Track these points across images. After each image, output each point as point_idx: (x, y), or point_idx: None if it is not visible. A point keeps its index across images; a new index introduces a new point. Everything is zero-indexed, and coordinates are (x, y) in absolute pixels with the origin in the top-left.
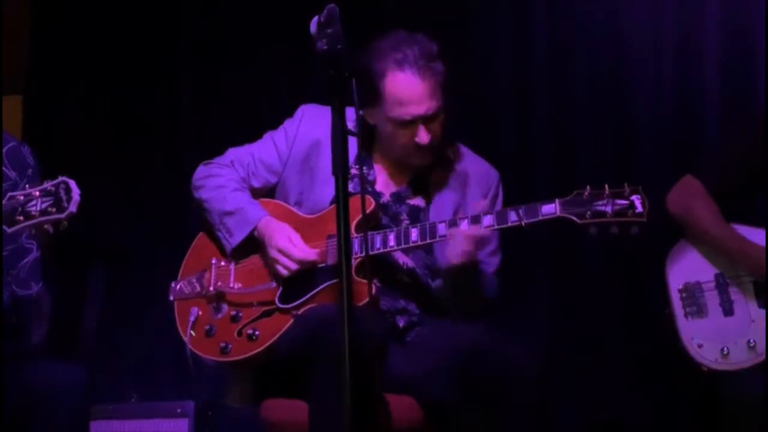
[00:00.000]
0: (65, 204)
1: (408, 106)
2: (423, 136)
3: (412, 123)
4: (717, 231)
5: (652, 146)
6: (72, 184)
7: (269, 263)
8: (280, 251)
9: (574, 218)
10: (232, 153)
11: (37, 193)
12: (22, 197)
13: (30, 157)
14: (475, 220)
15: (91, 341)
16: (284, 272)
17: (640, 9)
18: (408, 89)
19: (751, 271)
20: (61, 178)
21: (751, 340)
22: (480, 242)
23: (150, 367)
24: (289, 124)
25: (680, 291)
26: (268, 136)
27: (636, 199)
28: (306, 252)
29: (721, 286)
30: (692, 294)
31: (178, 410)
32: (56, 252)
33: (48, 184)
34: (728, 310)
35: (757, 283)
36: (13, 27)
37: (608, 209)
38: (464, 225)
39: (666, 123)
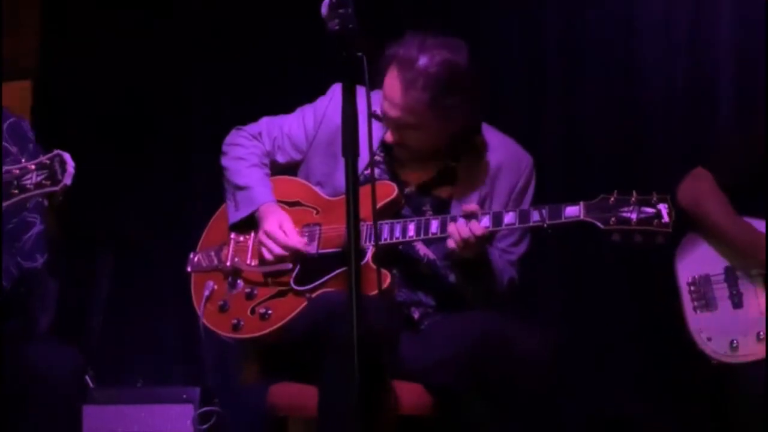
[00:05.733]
0: (60, 177)
1: (385, 101)
2: (387, 135)
3: (386, 117)
4: (726, 224)
5: (664, 138)
6: (66, 156)
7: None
8: (267, 235)
9: (598, 223)
10: (264, 123)
11: (33, 167)
12: (17, 171)
13: (30, 132)
14: (472, 217)
15: (98, 327)
16: (268, 256)
17: (653, 2)
18: (389, 87)
19: (762, 263)
20: (55, 152)
21: (761, 333)
22: (478, 242)
23: (156, 353)
24: (319, 102)
25: (689, 284)
26: (300, 111)
27: (663, 208)
28: (293, 239)
29: (731, 279)
30: (701, 287)
31: (184, 396)
32: (64, 239)
33: (43, 158)
34: (737, 303)
35: (766, 276)
36: (22, 12)
37: (633, 217)
38: (461, 222)
39: (678, 115)
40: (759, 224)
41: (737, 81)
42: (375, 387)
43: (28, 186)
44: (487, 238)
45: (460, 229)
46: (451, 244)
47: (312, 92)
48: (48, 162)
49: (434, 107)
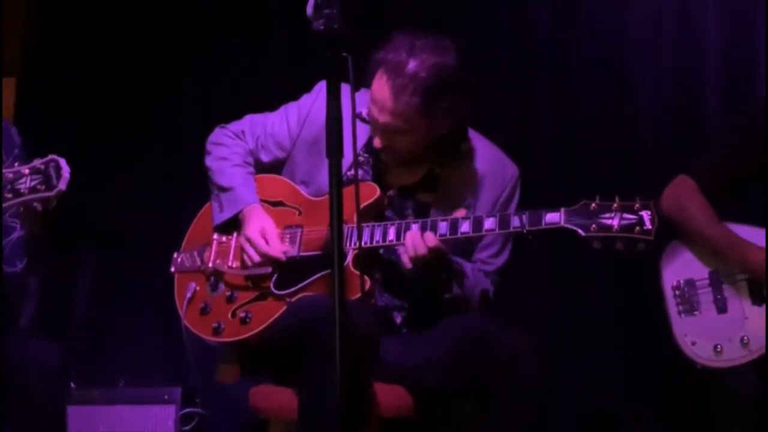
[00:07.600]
0: (54, 182)
1: (374, 107)
2: (375, 141)
3: (374, 122)
4: (710, 231)
5: (652, 145)
6: (62, 162)
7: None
8: (248, 240)
9: (579, 230)
10: (248, 121)
11: (27, 171)
12: (11, 174)
13: (16, 137)
14: (453, 223)
15: (79, 324)
16: (249, 262)
17: (644, 9)
18: (378, 93)
19: (745, 270)
20: (50, 156)
21: (745, 337)
22: (431, 254)
23: (139, 352)
24: (304, 100)
25: (674, 288)
26: (284, 109)
27: (645, 215)
28: (272, 248)
29: (715, 283)
30: (686, 291)
31: (165, 396)
32: (47, 234)
33: (38, 162)
34: (722, 308)
35: (750, 281)
36: (8, 9)
37: (615, 223)
38: (415, 230)
39: (670, 121)
40: (742, 230)
41: (727, 85)
42: (357, 390)
43: (22, 190)
44: (439, 252)
45: (414, 239)
46: (404, 256)
47: (300, 90)
48: (42, 167)
49: (424, 112)
